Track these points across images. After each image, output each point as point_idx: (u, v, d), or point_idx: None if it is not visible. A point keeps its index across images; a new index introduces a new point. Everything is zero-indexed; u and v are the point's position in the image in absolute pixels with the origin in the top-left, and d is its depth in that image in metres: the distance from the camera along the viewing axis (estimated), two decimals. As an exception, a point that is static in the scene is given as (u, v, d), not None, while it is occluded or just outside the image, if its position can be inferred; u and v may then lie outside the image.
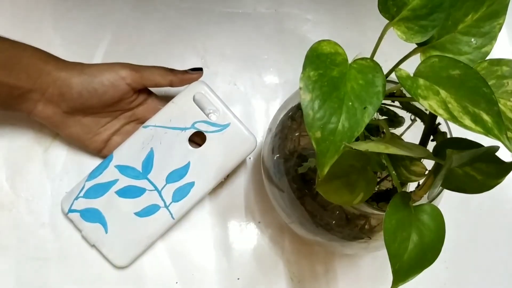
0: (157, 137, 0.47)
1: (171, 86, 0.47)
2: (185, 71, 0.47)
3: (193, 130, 0.47)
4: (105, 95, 0.44)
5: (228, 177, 0.50)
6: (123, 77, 0.44)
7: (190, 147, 0.47)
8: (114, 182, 0.47)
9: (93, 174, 0.47)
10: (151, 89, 0.49)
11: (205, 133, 0.47)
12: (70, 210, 0.47)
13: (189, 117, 0.47)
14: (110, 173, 0.47)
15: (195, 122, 0.47)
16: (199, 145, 0.47)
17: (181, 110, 0.47)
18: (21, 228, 0.48)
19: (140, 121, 0.48)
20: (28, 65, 0.42)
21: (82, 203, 0.47)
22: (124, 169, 0.47)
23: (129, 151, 0.47)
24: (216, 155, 0.47)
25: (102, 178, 0.47)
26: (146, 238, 0.47)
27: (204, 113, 0.47)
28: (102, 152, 0.48)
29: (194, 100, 0.47)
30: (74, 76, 0.43)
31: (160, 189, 0.47)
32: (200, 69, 0.48)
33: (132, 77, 0.45)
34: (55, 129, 0.46)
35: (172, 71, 0.47)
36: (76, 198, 0.47)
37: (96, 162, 0.48)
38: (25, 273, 0.47)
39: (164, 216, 0.47)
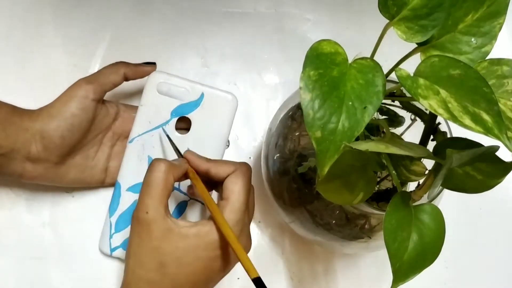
0: (147, 144, 0.46)
1: (127, 79, 0.45)
2: (138, 64, 0.46)
3: (175, 118, 0.47)
4: (82, 123, 0.43)
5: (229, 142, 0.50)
6: (85, 96, 0.42)
7: (181, 135, 0.47)
8: (134, 204, 0.45)
9: (112, 208, 0.47)
10: (114, 97, 0.49)
11: (187, 116, 0.47)
12: (112, 250, 0.47)
13: (164, 109, 0.46)
14: (126, 199, 0.46)
15: (172, 111, 0.46)
16: (187, 129, 0.47)
17: (153, 108, 0.46)
18: (21, 228, 0.48)
19: (124, 136, 0.47)
20: (5, 123, 0.40)
21: (119, 238, 0.46)
22: (136, 188, 0.46)
23: (130, 170, 0.47)
24: (207, 128, 0.46)
25: (122, 207, 0.46)
26: None
27: (175, 98, 0.46)
28: (106, 181, 0.47)
29: (159, 92, 0.46)
30: (48, 123, 0.41)
31: (178, 186, 0.47)
32: (153, 63, 0.47)
33: (92, 91, 0.43)
34: (51, 183, 0.45)
35: (122, 63, 0.45)
36: (111, 236, 0.47)
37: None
38: (25, 273, 0.47)
39: (196, 206, 0.47)
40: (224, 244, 0.37)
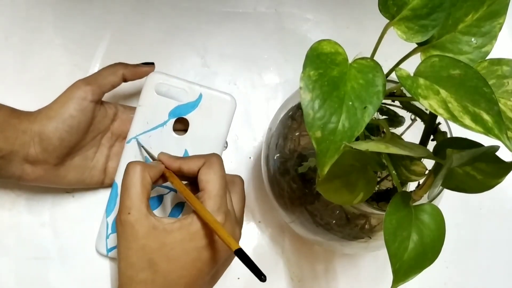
0: (145, 144, 0.46)
1: (125, 80, 0.45)
2: (137, 65, 0.46)
3: (173, 120, 0.46)
4: (80, 124, 0.43)
5: (227, 143, 0.50)
6: (83, 98, 0.42)
7: (178, 136, 0.47)
8: None
9: (109, 209, 0.47)
10: (113, 98, 0.49)
11: (185, 116, 0.46)
12: (108, 250, 0.47)
13: (162, 110, 0.46)
14: None
15: (170, 111, 0.46)
16: (185, 130, 0.47)
17: (151, 109, 0.46)
18: (21, 228, 0.48)
19: (122, 137, 0.47)
20: (3, 125, 0.40)
21: (115, 238, 0.46)
22: None
23: None
24: (205, 129, 0.46)
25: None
26: None
27: (173, 98, 0.46)
28: (104, 182, 0.47)
29: (157, 92, 0.46)
30: (46, 125, 0.41)
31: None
32: (152, 64, 0.47)
33: (90, 92, 0.43)
34: (51, 185, 0.45)
35: (121, 64, 0.45)
36: (107, 237, 0.47)
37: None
38: (25, 273, 0.47)
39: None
40: (209, 232, 0.37)
